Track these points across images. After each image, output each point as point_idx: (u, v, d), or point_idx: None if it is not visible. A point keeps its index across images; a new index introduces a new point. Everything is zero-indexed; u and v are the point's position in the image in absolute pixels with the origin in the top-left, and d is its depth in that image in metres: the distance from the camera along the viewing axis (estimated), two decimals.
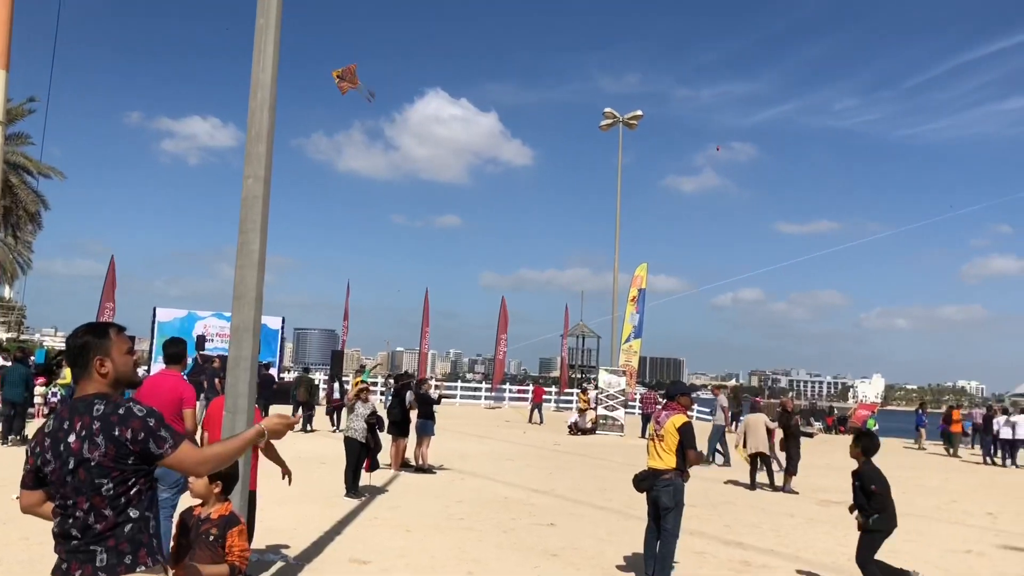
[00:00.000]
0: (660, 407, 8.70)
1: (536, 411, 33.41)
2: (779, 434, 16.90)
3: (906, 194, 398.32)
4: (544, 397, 35.26)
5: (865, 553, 7.47)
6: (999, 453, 25.91)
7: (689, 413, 8.84)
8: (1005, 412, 27.58)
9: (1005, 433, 25.47)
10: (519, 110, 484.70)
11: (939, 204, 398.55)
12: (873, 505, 7.47)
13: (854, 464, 7.86)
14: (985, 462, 26.11)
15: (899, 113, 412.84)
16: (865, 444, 7.70)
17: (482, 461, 18.09)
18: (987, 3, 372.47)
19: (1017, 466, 25.12)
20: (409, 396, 16.13)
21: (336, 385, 25.25)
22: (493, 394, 45.29)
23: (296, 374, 34.74)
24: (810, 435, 20.22)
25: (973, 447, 31.46)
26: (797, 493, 15.70)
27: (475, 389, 49.03)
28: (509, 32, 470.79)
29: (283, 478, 6.91)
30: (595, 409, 29.55)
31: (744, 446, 16.47)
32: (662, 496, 7.94)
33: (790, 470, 16.28)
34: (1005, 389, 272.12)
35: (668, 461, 7.97)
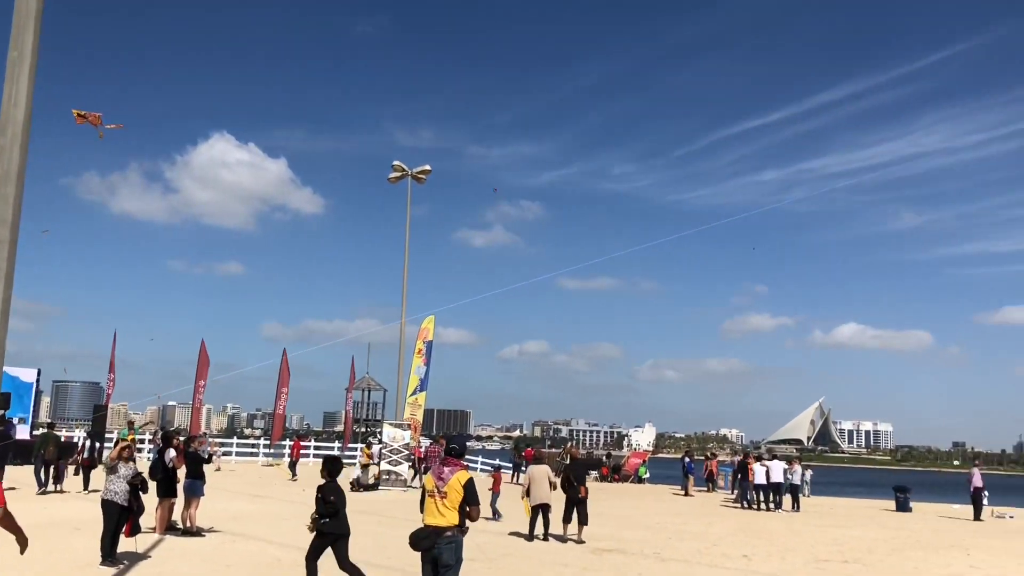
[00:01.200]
0: (440, 462, 8.66)
1: (293, 466, 33.00)
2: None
3: (677, 252, 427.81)
4: (302, 452, 35.21)
5: (338, 553, 9.43)
6: (756, 497, 27.87)
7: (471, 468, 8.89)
8: (759, 459, 29.92)
9: (760, 478, 27.53)
10: (310, 157, 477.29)
11: (704, 265, 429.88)
12: (328, 511, 9.40)
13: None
14: (742, 506, 28.05)
15: (669, 180, 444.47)
16: (330, 468, 9.82)
17: (256, 522, 17.25)
18: (746, 84, 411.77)
19: (783, 510, 27.03)
20: (170, 455, 14.82)
21: (88, 443, 23.65)
22: (272, 450, 43.52)
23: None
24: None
25: (732, 491, 33.82)
26: (584, 543, 16.00)
27: (253, 445, 47.05)
28: (301, 77, 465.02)
29: (22, 553, 6.21)
30: (378, 464, 29.11)
31: (527, 496, 16.72)
32: (444, 554, 7.85)
33: (581, 520, 16.41)
34: (762, 436, 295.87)
35: (450, 518, 7.91)
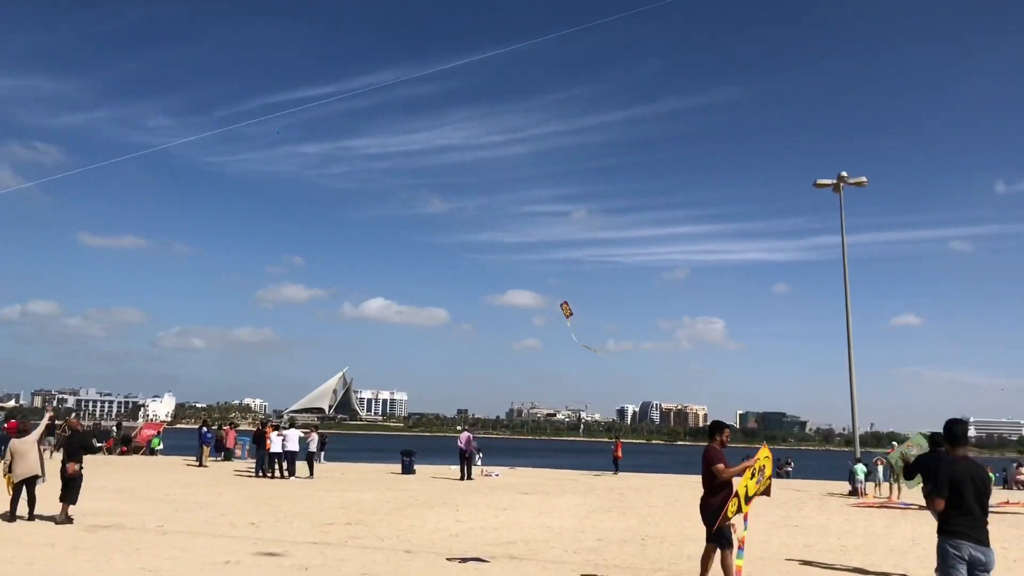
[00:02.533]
0: None
1: None
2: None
3: (213, 219, 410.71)
4: None
5: None
6: (272, 464, 28.06)
7: None
8: (276, 428, 30.24)
9: (276, 446, 27.81)
10: None
11: (239, 230, 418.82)
12: None
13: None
14: (257, 475, 28.11)
15: (211, 140, 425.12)
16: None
17: None
18: (297, 54, 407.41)
19: (297, 477, 27.53)
20: None
21: None
22: None
23: None
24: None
25: (250, 460, 33.70)
26: (72, 521, 14.65)
27: None
28: None
29: None
30: None
31: (10, 472, 14.88)
32: None
33: (64, 498, 15.02)
34: (285, 406, 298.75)
35: None
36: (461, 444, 31.10)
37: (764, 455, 9.61)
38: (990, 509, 6.74)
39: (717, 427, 9.69)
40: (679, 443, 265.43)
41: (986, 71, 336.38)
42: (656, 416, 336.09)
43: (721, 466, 9.18)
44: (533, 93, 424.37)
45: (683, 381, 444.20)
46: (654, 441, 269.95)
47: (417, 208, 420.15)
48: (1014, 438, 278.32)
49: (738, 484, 9.37)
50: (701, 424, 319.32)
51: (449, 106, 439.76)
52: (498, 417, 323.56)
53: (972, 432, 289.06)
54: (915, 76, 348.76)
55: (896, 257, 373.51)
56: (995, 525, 7.31)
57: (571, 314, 31.24)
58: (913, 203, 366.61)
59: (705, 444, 9.67)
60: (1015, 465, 39.88)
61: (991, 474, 11.56)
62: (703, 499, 9.37)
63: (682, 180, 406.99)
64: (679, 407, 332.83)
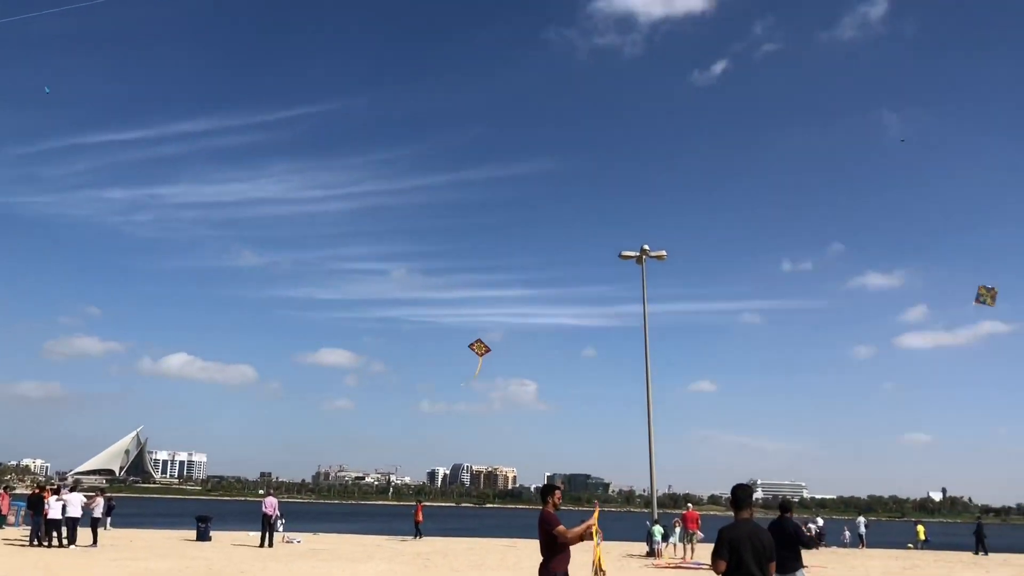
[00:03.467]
0: None
1: None
2: None
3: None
4: None
5: None
6: (49, 532, 25.74)
7: None
8: (56, 491, 27.91)
9: (54, 512, 25.55)
10: None
11: (29, 277, 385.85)
12: None
13: None
14: (32, 544, 25.71)
15: (2, 179, 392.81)
16: None
17: None
18: (109, 93, 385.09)
19: (77, 545, 25.30)
20: None
21: None
22: None
23: None
24: None
25: (23, 527, 30.82)
26: None
27: None
28: None
29: None
30: None
31: None
32: None
33: None
34: (70, 467, 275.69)
35: None
36: (267, 509, 29.76)
37: (596, 519, 9.77)
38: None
39: (549, 489, 9.33)
40: (488, 506, 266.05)
41: (772, 164, 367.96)
42: (466, 478, 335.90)
43: (563, 528, 8.96)
44: (355, 150, 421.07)
45: (494, 443, 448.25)
46: (464, 504, 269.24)
47: (228, 260, 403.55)
48: (796, 499, 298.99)
49: (592, 549, 9.43)
50: (510, 486, 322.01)
51: (267, 157, 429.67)
52: (303, 480, 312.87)
53: (759, 494, 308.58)
54: (713, 164, 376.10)
55: (694, 326, 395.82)
56: None
57: (486, 351, 30.10)
58: (710, 277, 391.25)
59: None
60: (806, 524, 42.88)
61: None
62: (543, 565, 9.04)
63: (499, 244, 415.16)
64: (489, 469, 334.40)
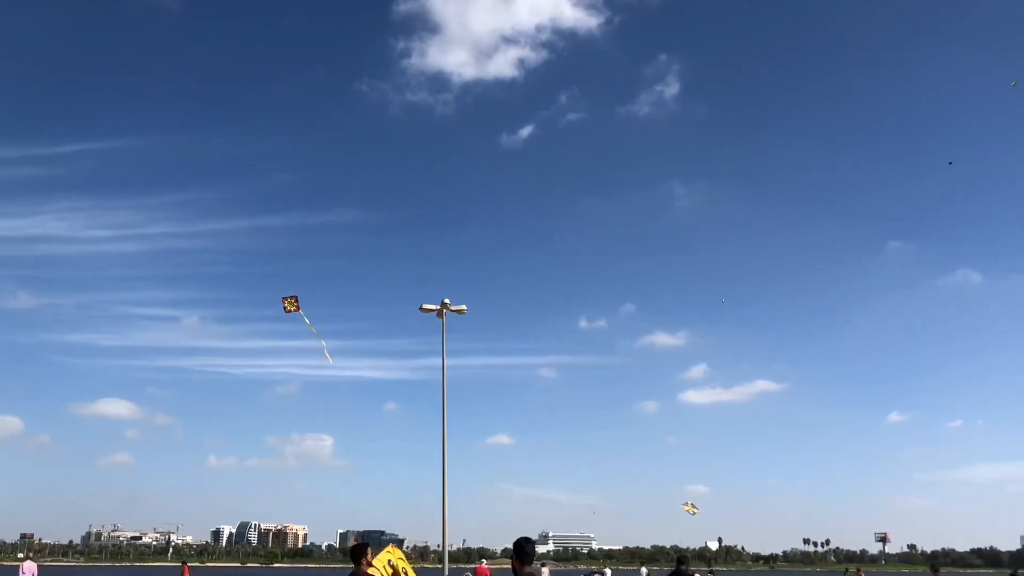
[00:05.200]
0: None
1: None
2: None
3: None
4: None
5: None
6: None
7: None
8: None
9: None
10: None
11: None
12: None
13: None
14: None
15: None
16: None
17: None
18: None
19: None
20: None
21: None
22: None
23: None
24: None
25: None
26: None
27: None
28: None
29: None
30: None
31: None
32: None
33: None
34: None
35: None
36: (24, 575, 27.20)
37: (398, 555, 9.66)
38: None
39: (360, 550, 9.14)
40: (277, 565, 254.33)
41: (573, 227, 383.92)
42: (254, 537, 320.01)
43: None
44: (149, 190, 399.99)
45: (286, 500, 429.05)
46: (250, 564, 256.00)
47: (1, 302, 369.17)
48: (585, 551, 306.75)
49: None
50: (300, 544, 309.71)
51: (49, 193, 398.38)
52: (71, 541, 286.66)
53: (551, 546, 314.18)
54: (518, 224, 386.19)
55: (495, 381, 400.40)
56: None
57: (295, 307, 32.16)
58: (510, 333, 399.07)
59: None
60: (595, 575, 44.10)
61: None
62: None
63: (298, 293, 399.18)
64: (279, 527, 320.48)
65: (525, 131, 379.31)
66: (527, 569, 7.20)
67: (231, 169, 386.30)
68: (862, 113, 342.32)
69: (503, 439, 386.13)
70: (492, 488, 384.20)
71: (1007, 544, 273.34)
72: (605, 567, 50.65)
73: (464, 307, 37.13)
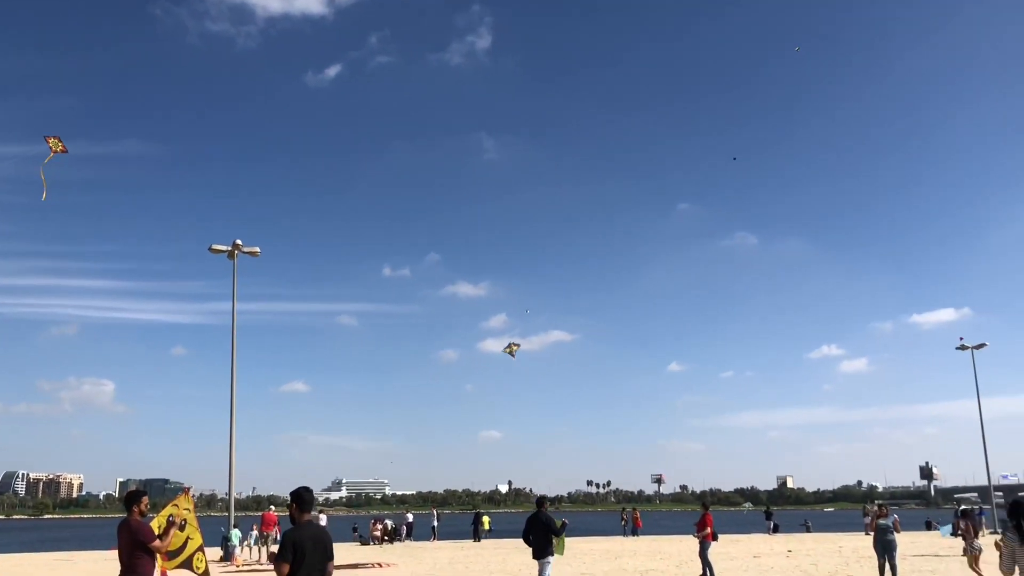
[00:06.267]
0: None
1: None
2: None
3: None
4: None
5: None
6: None
7: None
8: None
9: None
10: None
11: None
12: None
13: None
14: None
15: None
16: None
17: None
18: None
19: None
20: None
21: None
22: None
23: None
24: None
25: None
26: None
27: None
28: None
29: None
30: None
31: None
32: None
33: None
34: None
35: None
36: None
37: (184, 505, 9.39)
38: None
39: (135, 497, 8.57)
40: (47, 516, 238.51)
41: (379, 174, 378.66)
42: (22, 488, 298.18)
43: (157, 543, 8.54)
44: None
45: (60, 448, 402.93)
46: (16, 516, 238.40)
47: None
48: (379, 496, 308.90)
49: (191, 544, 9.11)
50: (75, 495, 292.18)
51: None
52: None
53: (343, 493, 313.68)
54: (321, 167, 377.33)
55: (291, 327, 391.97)
56: None
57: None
58: (309, 278, 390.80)
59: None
60: (372, 521, 44.28)
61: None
62: None
63: (80, 228, 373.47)
64: (50, 476, 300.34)
65: (332, 71, 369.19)
66: (305, 516, 7.10)
67: (7, 91, 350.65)
68: (661, 80, 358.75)
69: (299, 386, 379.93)
70: (286, 435, 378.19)
71: (766, 484, 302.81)
72: (407, 513, 51.21)
73: (257, 249, 35.71)
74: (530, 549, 14.16)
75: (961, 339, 48.57)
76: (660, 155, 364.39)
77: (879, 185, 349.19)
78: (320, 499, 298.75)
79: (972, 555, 18.90)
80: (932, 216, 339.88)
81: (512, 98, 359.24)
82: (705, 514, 19.78)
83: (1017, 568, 6.52)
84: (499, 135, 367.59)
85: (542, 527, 13.92)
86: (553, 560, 14.08)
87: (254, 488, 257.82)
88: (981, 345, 47.76)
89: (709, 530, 19.41)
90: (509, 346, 43.88)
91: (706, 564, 19.45)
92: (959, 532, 24.20)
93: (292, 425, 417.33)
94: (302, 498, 7.11)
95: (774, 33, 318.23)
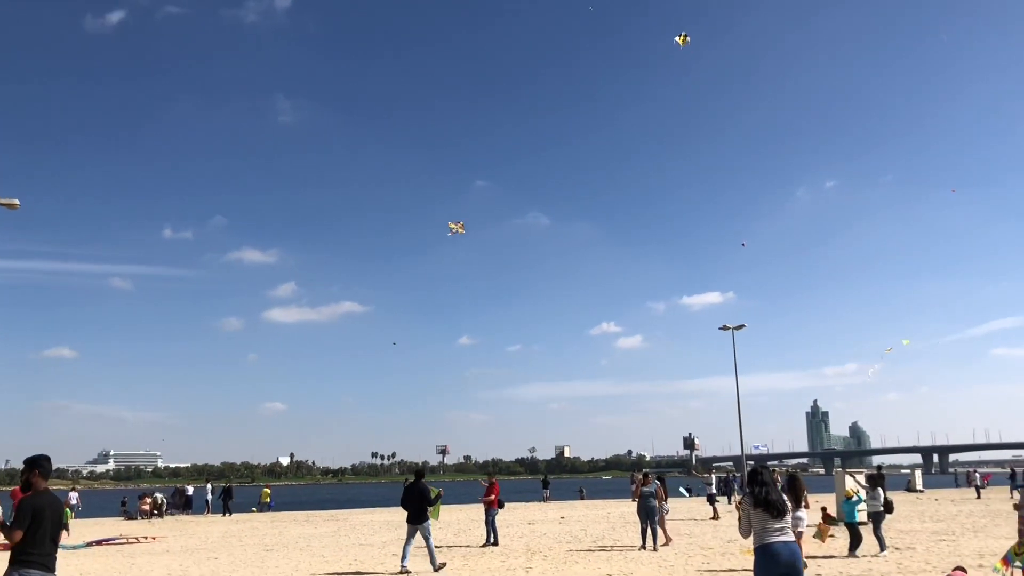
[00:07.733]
0: None
1: None
2: None
3: None
4: None
5: None
6: None
7: None
8: None
9: None
10: None
11: None
12: None
13: None
14: None
15: None
16: None
17: None
18: None
19: None
20: None
21: None
22: None
23: None
24: None
25: None
26: None
27: None
28: None
29: None
30: None
31: None
32: None
33: None
34: None
35: None
36: None
37: None
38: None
39: None
40: None
41: (159, 130, 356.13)
42: None
43: None
44: None
45: None
46: None
47: None
48: (150, 469, 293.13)
49: None
50: None
51: None
52: None
53: (112, 465, 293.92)
54: (94, 120, 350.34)
55: (55, 288, 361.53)
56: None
57: None
58: (76, 235, 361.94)
59: None
60: (141, 495, 41.89)
61: None
62: None
63: None
64: None
65: (115, 16, 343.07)
66: (43, 484, 6.67)
67: None
68: (466, 58, 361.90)
69: (64, 352, 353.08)
70: (48, 404, 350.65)
71: (546, 454, 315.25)
72: (188, 486, 48.84)
73: (16, 201, 32.27)
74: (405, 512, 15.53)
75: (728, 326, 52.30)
76: (460, 131, 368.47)
77: (664, 179, 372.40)
78: (84, 472, 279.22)
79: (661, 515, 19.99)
80: (703, 208, 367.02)
81: (311, 61, 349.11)
82: (493, 483, 20.82)
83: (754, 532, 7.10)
84: (295, 97, 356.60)
85: (418, 496, 15.32)
86: (430, 524, 15.47)
87: (8, 461, 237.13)
88: (741, 326, 51.48)
89: (494, 497, 20.22)
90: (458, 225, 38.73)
91: (492, 529, 20.41)
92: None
93: (55, 393, 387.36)
94: (43, 466, 6.74)
95: (560, 33, 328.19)
